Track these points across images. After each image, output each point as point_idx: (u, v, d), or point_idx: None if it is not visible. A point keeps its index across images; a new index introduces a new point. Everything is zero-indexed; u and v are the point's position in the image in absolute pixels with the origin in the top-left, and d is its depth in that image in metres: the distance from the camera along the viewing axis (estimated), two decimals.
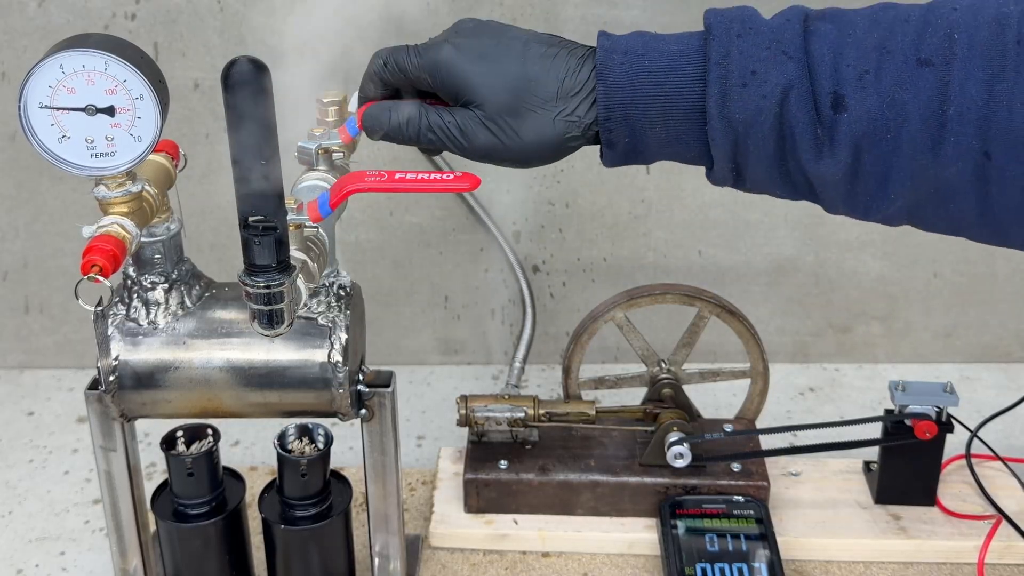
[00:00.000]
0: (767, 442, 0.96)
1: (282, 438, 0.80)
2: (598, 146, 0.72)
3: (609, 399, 1.09)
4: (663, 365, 0.98)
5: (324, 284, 0.76)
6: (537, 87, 0.70)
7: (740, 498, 0.92)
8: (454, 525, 0.94)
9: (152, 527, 0.82)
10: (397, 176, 0.68)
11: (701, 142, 0.69)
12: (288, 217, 0.66)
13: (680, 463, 0.91)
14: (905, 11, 0.67)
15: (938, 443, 0.92)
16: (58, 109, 0.66)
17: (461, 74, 0.71)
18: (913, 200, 0.67)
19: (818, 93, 0.66)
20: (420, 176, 0.68)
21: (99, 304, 0.73)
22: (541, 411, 0.94)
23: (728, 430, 0.96)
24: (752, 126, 0.67)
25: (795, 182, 0.69)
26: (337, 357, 0.74)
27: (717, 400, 1.13)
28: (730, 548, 0.87)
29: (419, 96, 0.75)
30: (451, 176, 0.68)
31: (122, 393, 0.74)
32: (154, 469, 1.04)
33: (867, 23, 0.66)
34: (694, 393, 1.00)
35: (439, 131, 0.72)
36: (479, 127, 0.71)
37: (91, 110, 0.66)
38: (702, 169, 0.72)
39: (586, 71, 0.70)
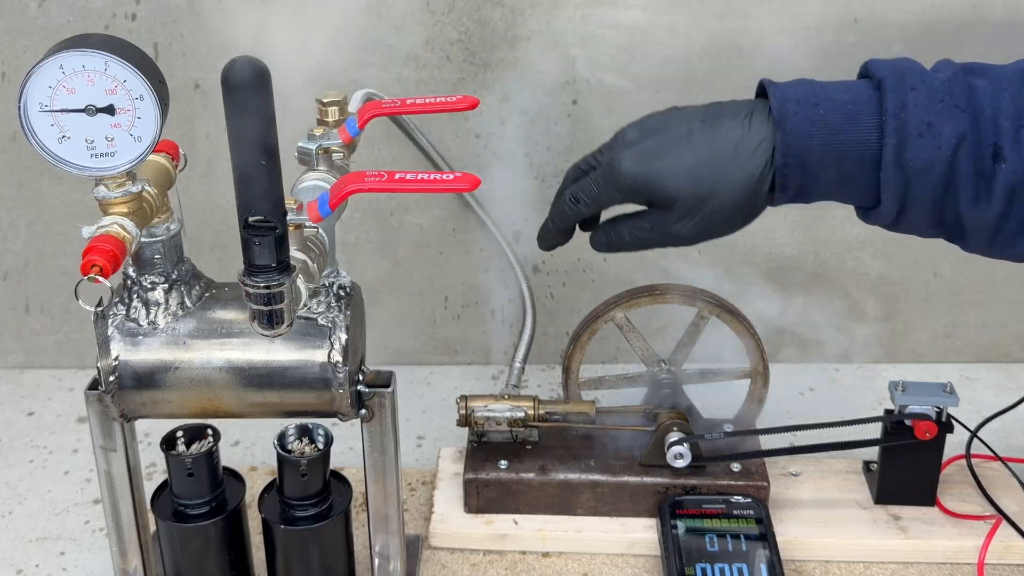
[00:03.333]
0: (767, 442, 0.96)
1: (282, 438, 0.80)
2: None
3: (609, 399, 1.09)
4: (663, 365, 0.98)
5: (324, 284, 0.76)
6: (715, 167, 0.76)
7: (740, 498, 0.92)
8: (454, 525, 0.94)
9: (152, 527, 0.82)
10: (397, 176, 0.68)
11: (870, 187, 0.75)
12: (288, 217, 0.66)
13: (680, 463, 0.91)
14: None
15: (938, 443, 0.92)
16: (58, 111, 0.66)
17: (646, 187, 0.78)
18: None
19: (982, 144, 0.72)
20: (420, 176, 0.68)
21: (99, 304, 0.73)
22: (541, 411, 0.94)
23: (728, 430, 0.96)
24: (925, 174, 0.72)
25: (947, 224, 0.75)
26: (337, 357, 0.74)
27: (717, 400, 1.13)
28: (730, 548, 0.87)
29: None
30: (451, 176, 0.68)
31: (122, 393, 0.74)
32: (154, 469, 1.04)
33: (1018, 79, 0.73)
34: (694, 393, 1.00)
35: (648, 240, 0.81)
36: (679, 224, 0.78)
37: (91, 110, 0.66)
38: None
39: (756, 130, 0.75)
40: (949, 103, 0.72)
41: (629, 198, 0.80)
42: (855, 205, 0.79)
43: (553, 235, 0.86)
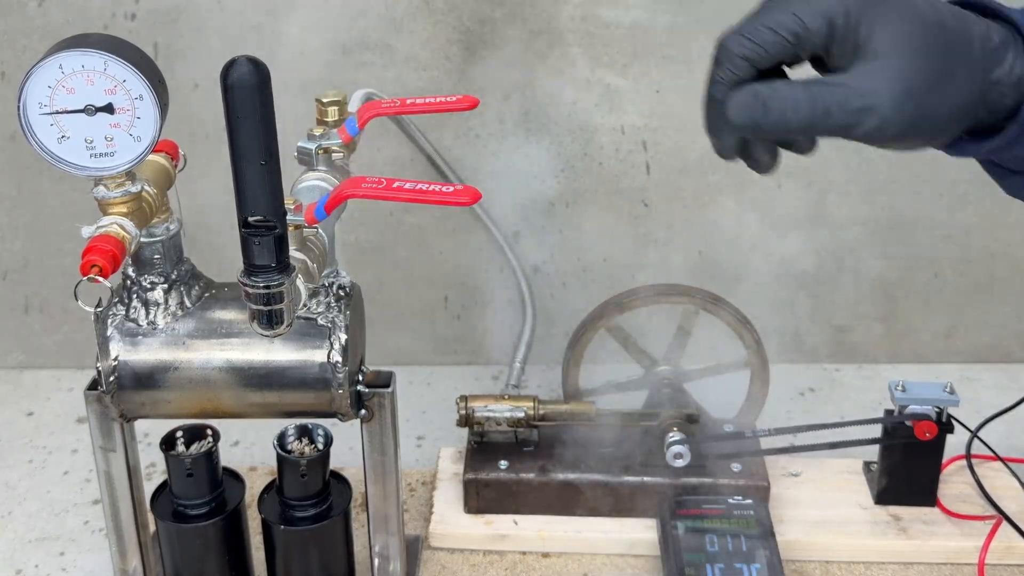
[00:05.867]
0: (767, 442, 0.96)
1: (282, 438, 0.80)
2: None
3: (610, 401, 1.09)
4: (663, 366, 0.98)
5: (324, 284, 0.76)
6: (955, 38, 0.60)
7: (740, 498, 0.92)
8: (454, 525, 0.94)
9: (152, 527, 0.82)
10: (395, 184, 0.67)
11: None
12: (288, 217, 0.66)
13: (680, 463, 0.91)
14: None
15: (938, 443, 0.92)
16: (58, 112, 0.66)
17: (867, 18, 0.59)
18: None
19: None
20: (419, 187, 0.66)
21: (98, 305, 0.73)
22: (541, 411, 0.94)
23: (728, 430, 0.96)
24: None
25: None
26: (337, 357, 0.74)
27: (717, 400, 1.13)
28: (730, 548, 0.87)
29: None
30: (451, 189, 0.65)
31: (122, 393, 0.74)
32: (154, 469, 1.04)
33: None
34: (695, 392, 1.00)
35: (837, 109, 0.59)
36: (889, 87, 0.59)
37: (90, 110, 0.66)
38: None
39: (1003, 50, 0.61)
40: None
41: (836, 38, 0.60)
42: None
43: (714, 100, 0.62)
